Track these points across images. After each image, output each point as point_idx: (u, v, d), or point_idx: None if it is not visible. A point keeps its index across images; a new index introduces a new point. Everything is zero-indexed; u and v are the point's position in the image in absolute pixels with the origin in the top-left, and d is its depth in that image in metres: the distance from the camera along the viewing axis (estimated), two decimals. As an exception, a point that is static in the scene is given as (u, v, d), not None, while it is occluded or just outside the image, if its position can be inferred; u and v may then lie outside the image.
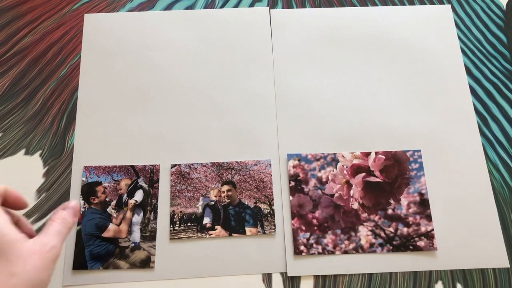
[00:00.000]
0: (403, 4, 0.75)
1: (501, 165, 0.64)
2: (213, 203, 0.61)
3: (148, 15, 0.73)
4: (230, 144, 0.64)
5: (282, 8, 0.74)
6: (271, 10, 0.74)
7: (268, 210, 0.60)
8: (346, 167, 0.62)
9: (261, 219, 0.60)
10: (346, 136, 0.65)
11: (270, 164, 0.63)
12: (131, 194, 0.61)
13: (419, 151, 0.63)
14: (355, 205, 0.60)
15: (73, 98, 0.67)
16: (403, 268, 0.57)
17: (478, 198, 0.61)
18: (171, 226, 0.59)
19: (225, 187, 0.62)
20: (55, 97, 0.67)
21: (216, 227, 0.59)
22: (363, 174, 0.61)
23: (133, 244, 0.58)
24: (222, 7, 0.74)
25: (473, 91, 0.68)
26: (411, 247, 0.58)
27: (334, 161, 0.63)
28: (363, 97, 0.67)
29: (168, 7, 0.74)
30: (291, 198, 0.61)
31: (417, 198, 0.60)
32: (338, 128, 0.65)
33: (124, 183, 0.62)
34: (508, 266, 0.57)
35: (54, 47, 0.71)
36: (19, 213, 0.60)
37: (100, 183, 0.61)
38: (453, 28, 0.72)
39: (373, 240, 0.58)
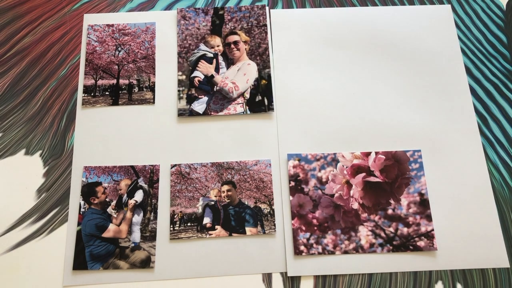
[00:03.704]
0: (403, 4, 0.75)
1: (501, 165, 0.64)
2: (213, 203, 0.61)
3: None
4: (230, 144, 0.64)
5: (282, 8, 0.74)
6: (271, 10, 0.74)
7: (268, 210, 0.60)
8: (346, 167, 0.62)
9: (261, 219, 0.60)
10: (346, 136, 0.65)
11: (270, 164, 0.63)
12: (131, 194, 0.61)
13: (419, 151, 0.63)
14: (355, 205, 0.60)
15: (73, 98, 0.67)
16: (403, 268, 0.57)
17: (478, 198, 0.61)
18: (171, 226, 0.59)
19: (225, 187, 0.62)
20: (55, 97, 0.67)
21: (216, 227, 0.59)
22: (363, 174, 0.61)
23: (133, 244, 0.58)
24: (222, 6, 0.74)
25: (473, 91, 0.68)
26: (411, 247, 0.58)
27: (334, 161, 0.63)
28: (363, 97, 0.67)
29: (168, 7, 0.74)
30: (291, 198, 0.61)
31: (417, 198, 0.60)
32: (338, 128, 0.65)
33: (124, 183, 0.62)
34: (508, 266, 0.57)
35: (54, 47, 0.71)
36: (19, 214, 0.60)
37: (100, 184, 0.61)
38: (453, 28, 0.72)
39: (373, 240, 0.58)
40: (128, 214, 0.60)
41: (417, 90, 0.68)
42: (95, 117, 0.66)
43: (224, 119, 0.66)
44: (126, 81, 0.68)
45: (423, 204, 0.60)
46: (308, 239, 0.58)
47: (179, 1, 0.75)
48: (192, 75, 0.68)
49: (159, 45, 0.71)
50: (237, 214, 0.60)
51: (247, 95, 0.67)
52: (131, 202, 0.60)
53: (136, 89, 0.68)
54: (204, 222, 0.59)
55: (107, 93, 0.68)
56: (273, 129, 0.65)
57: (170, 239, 0.59)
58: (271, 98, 0.66)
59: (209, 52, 0.69)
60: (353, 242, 0.58)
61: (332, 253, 0.58)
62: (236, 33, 0.70)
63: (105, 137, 0.64)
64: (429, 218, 0.59)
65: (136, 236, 0.59)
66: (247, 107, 0.66)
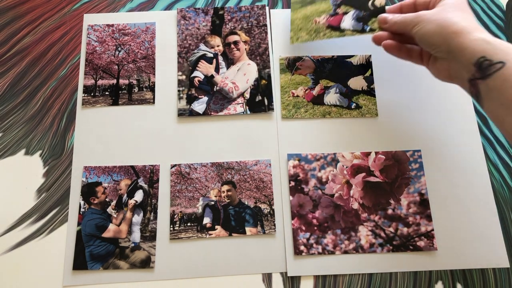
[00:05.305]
0: (403, 4, 0.75)
1: (501, 165, 0.64)
2: (213, 203, 0.61)
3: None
4: (230, 144, 0.64)
5: (282, 8, 0.74)
6: (271, 10, 0.74)
7: (268, 210, 0.60)
8: (346, 167, 0.62)
9: (261, 219, 0.60)
10: (346, 136, 0.65)
11: (270, 164, 0.63)
12: (131, 194, 0.61)
13: (419, 151, 0.63)
14: (355, 205, 0.60)
15: (73, 98, 0.67)
16: (403, 268, 0.57)
17: (478, 198, 0.61)
18: (171, 226, 0.59)
19: (225, 187, 0.62)
20: (55, 97, 0.67)
21: (216, 227, 0.59)
22: (363, 174, 0.61)
23: (133, 244, 0.58)
24: (222, 6, 0.74)
25: (473, 91, 0.68)
26: (411, 247, 0.58)
27: (334, 161, 0.63)
28: (363, 97, 0.67)
29: (168, 7, 0.74)
30: (291, 198, 0.61)
31: (417, 198, 0.60)
32: (338, 128, 0.65)
33: (124, 183, 0.62)
34: (508, 266, 0.57)
35: (54, 47, 0.71)
36: (19, 214, 0.60)
37: (100, 184, 0.61)
38: (453, 28, 0.72)
39: (373, 240, 0.58)
40: (128, 214, 0.60)
41: (417, 90, 0.68)
42: (95, 117, 0.66)
43: (224, 119, 0.66)
44: (126, 81, 0.68)
45: (423, 204, 0.60)
46: (308, 239, 0.58)
47: (179, 1, 0.75)
48: (192, 75, 0.68)
49: (159, 45, 0.71)
50: (237, 214, 0.60)
51: (247, 95, 0.67)
52: (131, 202, 0.60)
53: (136, 89, 0.68)
54: (204, 222, 0.60)
55: (107, 93, 0.68)
56: (273, 129, 0.65)
57: (170, 239, 0.59)
58: (271, 98, 0.66)
59: (209, 52, 0.69)
60: (353, 242, 0.58)
61: (332, 253, 0.58)
62: (236, 33, 0.70)
63: (105, 137, 0.64)
64: (429, 218, 0.59)
65: (136, 236, 0.59)
66: (247, 107, 0.66)
